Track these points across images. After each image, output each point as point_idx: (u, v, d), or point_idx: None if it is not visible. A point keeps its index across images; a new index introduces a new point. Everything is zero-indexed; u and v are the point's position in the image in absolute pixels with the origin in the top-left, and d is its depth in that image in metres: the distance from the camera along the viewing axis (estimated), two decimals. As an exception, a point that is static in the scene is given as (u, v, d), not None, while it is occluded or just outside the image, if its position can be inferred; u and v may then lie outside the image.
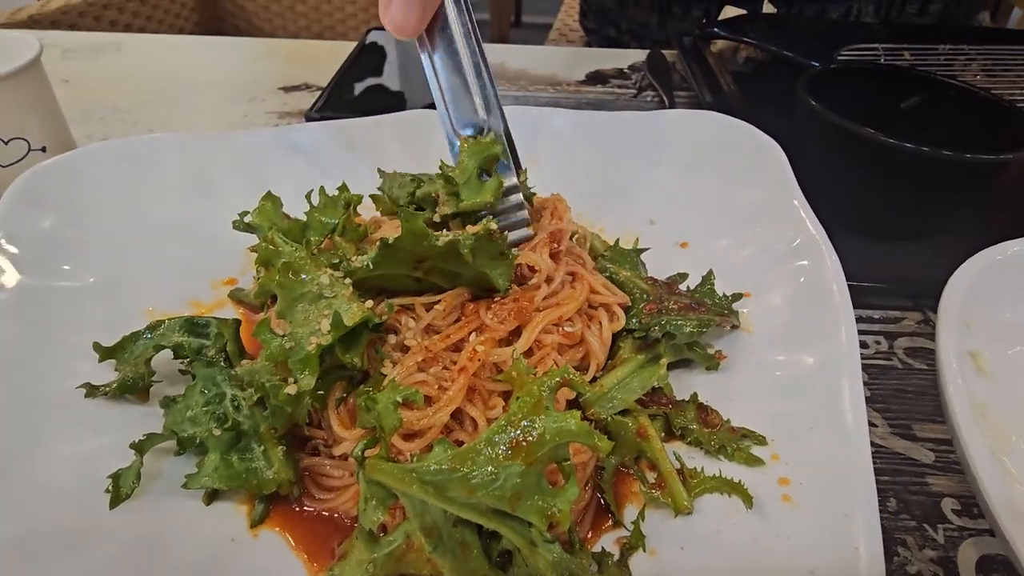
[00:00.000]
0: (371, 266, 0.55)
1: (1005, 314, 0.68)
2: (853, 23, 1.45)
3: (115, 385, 0.61)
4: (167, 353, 0.64)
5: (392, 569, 0.49)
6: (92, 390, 0.61)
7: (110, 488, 0.55)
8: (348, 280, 0.56)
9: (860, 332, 0.63)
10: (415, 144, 0.90)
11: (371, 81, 1.29)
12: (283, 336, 0.53)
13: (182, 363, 0.65)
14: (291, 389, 0.52)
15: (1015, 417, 0.62)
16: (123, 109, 1.25)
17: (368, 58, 1.37)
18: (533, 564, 0.47)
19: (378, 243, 0.53)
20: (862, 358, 0.60)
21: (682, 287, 0.75)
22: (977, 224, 0.88)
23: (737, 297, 0.71)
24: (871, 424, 0.69)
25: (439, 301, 0.59)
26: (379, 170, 0.78)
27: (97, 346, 0.63)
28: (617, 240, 0.81)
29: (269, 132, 0.93)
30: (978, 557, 0.59)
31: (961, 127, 0.94)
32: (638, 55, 1.46)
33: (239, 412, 0.58)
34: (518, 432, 0.45)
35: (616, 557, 0.52)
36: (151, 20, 2.16)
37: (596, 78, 1.40)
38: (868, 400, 0.63)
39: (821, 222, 0.72)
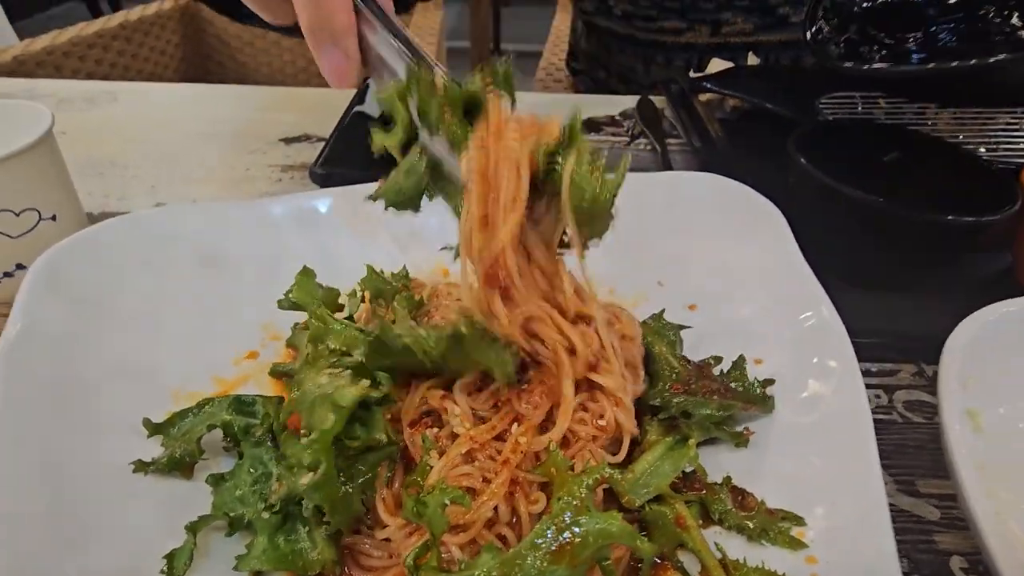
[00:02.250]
0: (364, 360, 0.58)
1: (996, 373, 0.72)
2: (829, 71, 1.52)
3: (164, 461, 0.64)
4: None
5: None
6: (142, 466, 0.64)
7: (164, 570, 0.56)
8: (347, 372, 0.58)
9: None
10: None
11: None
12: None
13: (225, 441, 0.67)
14: (305, 479, 0.53)
15: (1012, 475, 0.66)
16: (122, 164, 1.25)
17: (368, 106, 1.38)
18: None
19: (368, 342, 0.57)
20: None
21: (716, 370, 0.74)
22: (963, 279, 0.94)
23: (769, 383, 0.70)
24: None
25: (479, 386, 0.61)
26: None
27: (147, 422, 0.66)
28: (662, 311, 0.81)
29: (281, 200, 0.92)
30: (989, 618, 0.61)
31: (944, 183, 0.98)
32: (628, 101, 1.50)
33: (285, 492, 0.59)
34: (562, 534, 0.47)
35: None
36: (136, 58, 2.16)
37: (589, 126, 1.42)
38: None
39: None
